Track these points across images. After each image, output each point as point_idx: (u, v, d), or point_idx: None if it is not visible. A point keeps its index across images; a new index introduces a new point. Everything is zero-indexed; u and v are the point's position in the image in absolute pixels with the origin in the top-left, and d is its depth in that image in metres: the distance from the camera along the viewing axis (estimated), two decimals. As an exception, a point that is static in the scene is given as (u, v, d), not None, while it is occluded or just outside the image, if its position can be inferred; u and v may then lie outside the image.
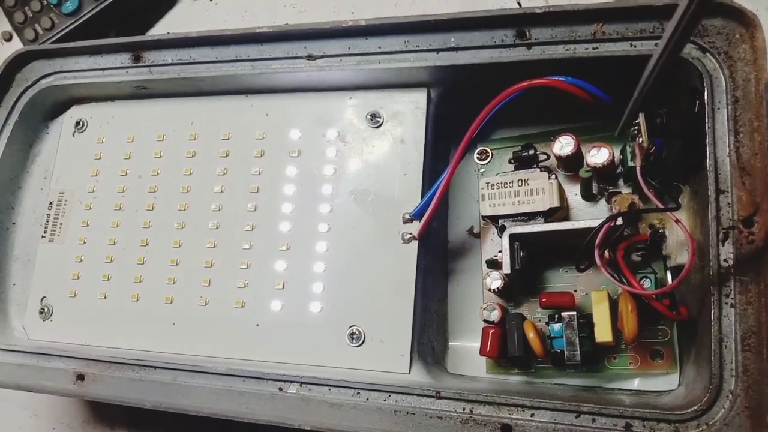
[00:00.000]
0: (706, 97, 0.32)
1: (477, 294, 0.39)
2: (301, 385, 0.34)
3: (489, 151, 0.40)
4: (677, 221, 0.32)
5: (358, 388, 0.33)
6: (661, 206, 0.33)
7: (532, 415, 0.30)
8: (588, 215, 0.37)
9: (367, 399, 0.33)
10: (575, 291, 0.36)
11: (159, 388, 0.36)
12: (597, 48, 0.34)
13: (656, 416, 0.29)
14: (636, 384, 0.35)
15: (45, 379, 0.39)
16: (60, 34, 0.51)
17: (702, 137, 0.31)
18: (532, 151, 0.38)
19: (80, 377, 0.38)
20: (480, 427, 0.31)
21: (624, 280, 0.31)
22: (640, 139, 0.33)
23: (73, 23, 0.51)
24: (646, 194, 0.33)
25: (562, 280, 0.37)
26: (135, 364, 0.37)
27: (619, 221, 0.33)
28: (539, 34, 0.35)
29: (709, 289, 0.30)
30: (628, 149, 0.35)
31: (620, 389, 0.35)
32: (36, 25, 0.51)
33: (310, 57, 0.38)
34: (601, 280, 0.36)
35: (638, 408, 0.30)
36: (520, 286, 0.37)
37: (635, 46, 0.33)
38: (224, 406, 0.34)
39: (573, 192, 0.38)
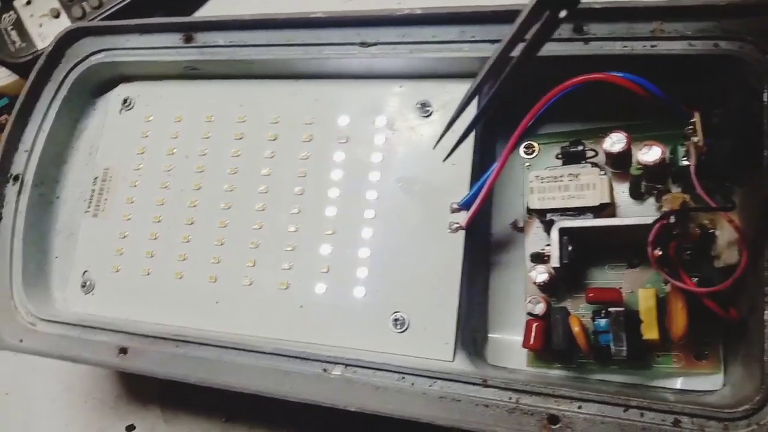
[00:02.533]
0: (765, 98, 0.32)
1: (518, 287, 0.39)
2: (345, 367, 0.34)
3: (536, 145, 0.40)
4: (731, 221, 0.32)
5: (403, 373, 0.33)
6: (714, 206, 0.33)
7: (579, 407, 0.31)
8: (634, 214, 0.37)
9: (412, 384, 0.33)
10: (620, 288, 0.36)
11: (204, 365, 0.36)
12: (655, 46, 0.34)
13: (706, 413, 0.29)
14: (679, 383, 0.35)
15: (88, 351, 0.39)
16: (107, 13, 0.51)
17: (759, 138, 0.31)
18: (580, 147, 0.38)
19: (123, 351, 0.38)
20: (527, 417, 0.31)
21: (677, 278, 0.31)
22: (696, 139, 0.33)
23: (120, 2, 0.51)
24: (699, 194, 0.33)
25: (606, 277, 0.37)
26: (179, 340, 0.37)
27: (672, 219, 0.33)
28: (597, 29, 0.35)
29: (762, 290, 0.30)
30: (680, 148, 0.35)
31: (663, 387, 0.35)
32: (84, 2, 0.52)
33: (363, 44, 0.38)
34: (646, 278, 0.36)
35: (687, 404, 0.30)
36: (565, 281, 0.37)
37: (694, 46, 0.33)
38: (269, 384, 0.35)
39: (619, 190, 0.38)
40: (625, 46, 0.34)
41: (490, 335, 0.39)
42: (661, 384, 0.35)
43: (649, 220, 0.32)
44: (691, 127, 0.34)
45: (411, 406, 0.32)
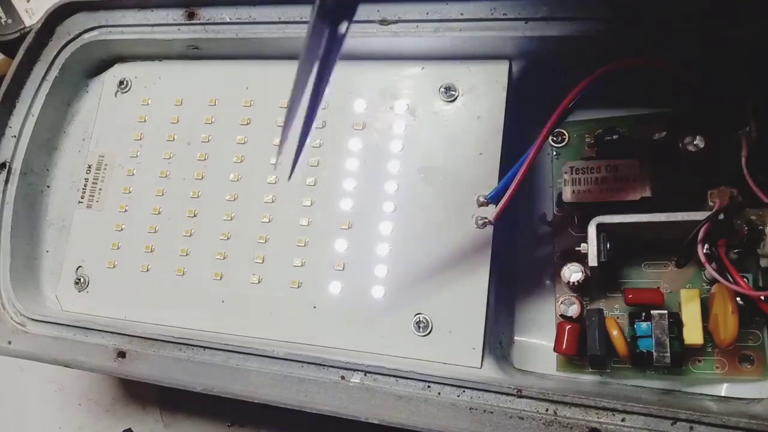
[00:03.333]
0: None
1: (547, 287, 0.37)
2: (365, 375, 0.31)
3: (566, 133, 0.38)
4: (786, 218, 0.30)
5: (428, 381, 0.31)
6: (767, 201, 0.30)
7: (623, 420, 0.28)
8: (675, 208, 0.35)
9: (439, 393, 0.30)
10: (659, 288, 0.34)
11: (209, 370, 0.34)
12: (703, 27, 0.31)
13: (763, 428, 0.27)
14: (722, 390, 0.33)
15: (83, 354, 0.36)
16: (101, -12, 0.48)
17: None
18: (615, 136, 0.35)
19: (121, 354, 0.36)
20: (566, 430, 0.28)
21: (730, 278, 0.29)
22: (748, 129, 0.31)
23: (114, -24, 0.47)
24: (751, 187, 0.30)
25: (643, 277, 0.35)
26: (182, 343, 0.35)
27: (722, 216, 0.30)
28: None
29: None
30: (729, 139, 0.32)
31: (702, 394, 0.33)
32: (75, -24, 0.48)
33: (383, 21, 0.35)
34: (686, 278, 0.33)
35: (739, 417, 0.27)
36: (600, 280, 0.34)
37: (746, 28, 0.31)
38: (281, 392, 0.32)
39: (657, 183, 0.35)
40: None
41: (516, 338, 0.37)
42: (702, 390, 0.33)
43: (700, 217, 0.29)
44: (743, 116, 0.31)
45: (438, 418, 0.30)
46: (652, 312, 0.32)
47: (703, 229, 0.30)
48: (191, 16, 0.39)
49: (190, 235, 0.38)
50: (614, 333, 0.32)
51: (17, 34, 0.50)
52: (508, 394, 0.29)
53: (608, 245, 0.32)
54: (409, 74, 0.37)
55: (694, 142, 0.32)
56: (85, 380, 0.47)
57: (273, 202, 0.37)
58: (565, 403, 0.29)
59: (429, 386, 0.31)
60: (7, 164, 0.41)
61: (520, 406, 0.29)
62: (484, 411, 0.29)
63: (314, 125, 0.25)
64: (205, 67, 0.40)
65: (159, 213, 0.39)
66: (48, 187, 0.43)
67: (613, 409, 0.28)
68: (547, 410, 0.29)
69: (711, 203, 0.32)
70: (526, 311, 0.37)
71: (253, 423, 0.43)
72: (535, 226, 0.38)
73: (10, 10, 0.50)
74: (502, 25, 0.33)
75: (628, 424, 0.28)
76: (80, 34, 0.41)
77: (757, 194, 0.30)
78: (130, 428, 0.45)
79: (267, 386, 0.32)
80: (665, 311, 0.31)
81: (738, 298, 0.30)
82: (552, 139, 0.38)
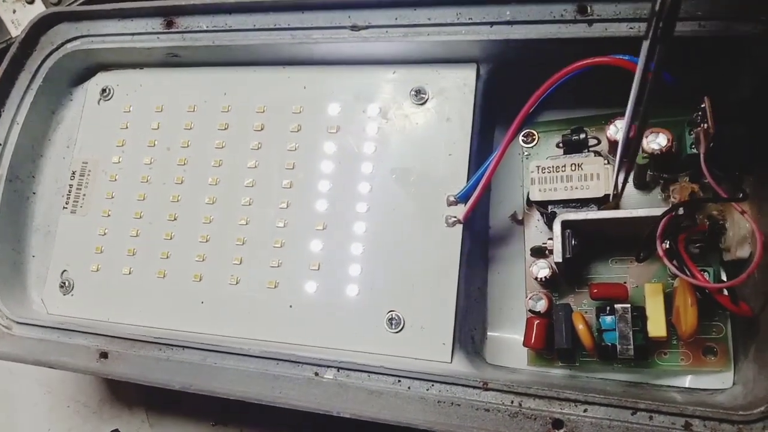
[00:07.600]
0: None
1: (517, 283, 0.37)
2: (338, 371, 0.32)
3: (535, 133, 0.38)
4: (743, 212, 0.31)
5: (399, 376, 0.32)
6: (725, 196, 0.31)
7: (585, 411, 0.29)
8: (639, 205, 0.36)
9: (409, 388, 0.31)
10: (624, 283, 0.34)
11: (188, 369, 0.34)
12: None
13: (718, 416, 0.28)
14: (687, 381, 0.33)
15: (66, 355, 0.37)
16: (84, -2, 0.49)
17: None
18: (582, 135, 0.36)
19: (104, 355, 0.36)
20: (530, 422, 0.29)
21: (687, 272, 0.30)
22: (705, 125, 0.32)
23: (98, -13, 0.48)
24: (709, 183, 0.31)
25: (610, 272, 0.35)
26: (162, 343, 0.35)
27: (681, 211, 0.31)
28: (602, 10, 0.33)
29: (777, 284, 0.28)
30: (689, 136, 0.33)
31: (669, 386, 0.34)
32: (59, -13, 0.49)
33: (354, 27, 0.36)
34: (652, 272, 0.34)
35: (698, 406, 0.28)
36: (567, 276, 0.35)
37: (705, 27, 0.32)
38: (257, 389, 0.33)
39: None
40: (631, 28, 0.33)
41: (489, 333, 0.38)
42: (668, 382, 0.34)
43: (658, 212, 0.30)
44: (700, 113, 0.32)
45: (407, 411, 0.31)
46: (615, 306, 0.32)
47: (661, 224, 0.30)
48: (170, 24, 0.40)
49: (171, 238, 0.39)
50: (580, 327, 0.33)
51: (3, 45, 0.51)
52: (474, 387, 0.30)
53: (573, 242, 0.33)
54: (381, 78, 0.38)
55: (656, 140, 0.33)
56: (73, 383, 0.48)
57: (250, 204, 0.38)
58: (530, 395, 0.30)
59: (399, 381, 0.31)
60: (-7, 172, 0.42)
61: (486, 399, 0.30)
62: (452, 404, 0.30)
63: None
64: (184, 74, 0.41)
65: (141, 217, 0.40)
66: (34, 193, 0.43)
67: (575, 400, 0.29)
68: (512, 402, 0.30)
69: (672, 199, 0.34)
70: (499, 307, 0.38)
71: (237, 422, 0.43)
72: (507, 224, 0.39)
73: (-4, 22, 0.51)
74: (469, 29, 0.34)
75: (590, 414, 0.29)
76: (63, 44, 0.42)
77: (716, 189, 0.31)
78: (117, 429, 0.46)
79: (243, 383, 0.33)
80: (628, 305, 0.32)
81: (698, 292, 0.31)
82: (522, 140, 0.38)
